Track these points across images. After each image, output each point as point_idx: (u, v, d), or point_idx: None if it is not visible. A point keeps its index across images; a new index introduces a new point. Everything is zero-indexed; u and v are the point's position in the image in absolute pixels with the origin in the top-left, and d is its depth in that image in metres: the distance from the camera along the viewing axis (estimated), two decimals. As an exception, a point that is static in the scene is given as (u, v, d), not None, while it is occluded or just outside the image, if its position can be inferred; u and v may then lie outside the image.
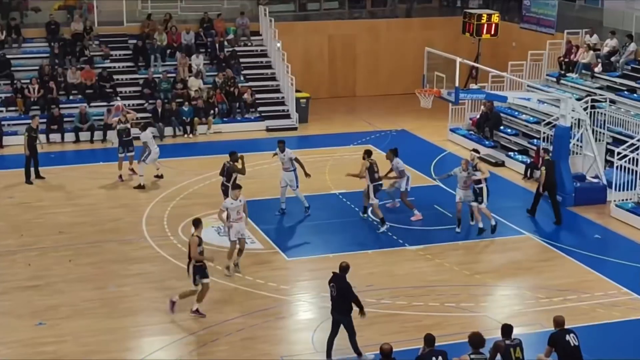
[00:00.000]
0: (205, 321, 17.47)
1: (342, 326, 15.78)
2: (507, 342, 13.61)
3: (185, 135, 31.96)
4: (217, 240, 21.77)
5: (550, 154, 24.58)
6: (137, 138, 26.48)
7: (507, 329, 13.79)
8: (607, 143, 26.77)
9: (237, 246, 19.75)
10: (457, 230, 22.16)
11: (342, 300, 15.65)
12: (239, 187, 20.11)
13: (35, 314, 17.82)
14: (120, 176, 26.53)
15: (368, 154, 22.81)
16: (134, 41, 34.87)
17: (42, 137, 28.15)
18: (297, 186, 23.37)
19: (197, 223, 17.83)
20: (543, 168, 23.59)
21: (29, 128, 26.62)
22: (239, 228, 19.72)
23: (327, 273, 19.73)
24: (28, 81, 32.19)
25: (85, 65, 33.21)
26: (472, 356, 13.22)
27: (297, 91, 34.36)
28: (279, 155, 23.46)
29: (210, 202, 24.34)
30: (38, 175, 26.60)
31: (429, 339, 13.62)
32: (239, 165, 22.25)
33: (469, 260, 20.74)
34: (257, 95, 34.02)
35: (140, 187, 25.65)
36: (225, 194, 21.86)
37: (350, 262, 20.09)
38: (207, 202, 24.41)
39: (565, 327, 14.11)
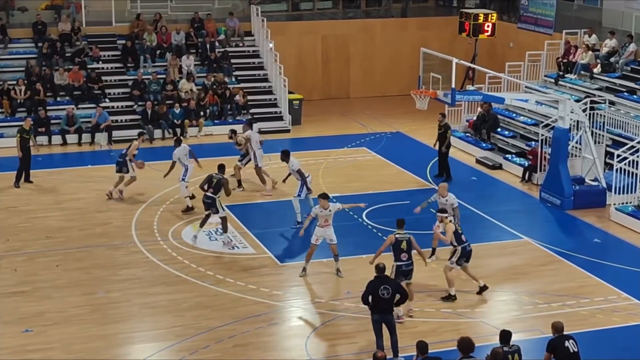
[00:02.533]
0: (197, 327, 17.46)
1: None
2: (505, 348, 13.62)
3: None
4: (207, 246, 21.78)
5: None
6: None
7: (505, 335, 13.81)
8: (607, 145, 26.82)
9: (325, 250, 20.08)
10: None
11: (393, 299, 15.80)
12: (326, 197, 20.05)
13: (22, 320, 17.78)
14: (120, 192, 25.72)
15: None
16: (123, 41, 34.87)
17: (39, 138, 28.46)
18: (299, 195, 23.00)
19: (401, 223, 17.95)
20: (449, 131, 27.28)
21: (20, 129, 26.50)
22: (321, 232, 19.82)
23: (320, 278, 19.90)
24: (14, 82, 32.18)
25: (73, 66, 33.18)
26: (463, 362, 13.29)
27: (290, 92, 34.39)
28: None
29: (201, 206, 24.34)
30: (28, 179, 26.49)
31: (422, 347, 13.64)
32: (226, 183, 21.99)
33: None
34: (249, 97, 34.03)
35: (188, 209, 24.17)
36: (208, 207, 21.65)
37: (344, 267, 20.37)
38: (198, 206, 24.40)
39: (564, 333, 14.12)
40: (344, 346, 16.90)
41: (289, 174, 23.76)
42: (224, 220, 21.92)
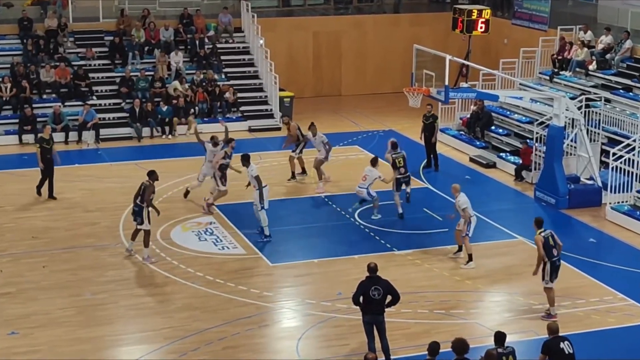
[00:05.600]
0: (186, 329, 17.44)
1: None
2: (500, 350, 13.62)
3: (164, 136, 31.87)
4: (197, 246, 21.74)
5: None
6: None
7: (499, 337, 13.81)
8: (602, 143, 26.84)
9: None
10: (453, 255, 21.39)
11: (384, 300, 15.79)
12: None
13: (7, 322, 17.72)
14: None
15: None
16: (111, 38, 34.78)
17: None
18: (263, 207, 22.03)
19: (540, 222, 18.11)
20: (438, 121, 28.58)
21: (40, 139, 25.25)
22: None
23: (311, 279, 19.91)
24: (0, 80, 32.05)
25: (59, 62, 33.09)
26: (457, 363, 13.30)
27: (280, 90, 34.37)
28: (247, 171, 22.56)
29: (190, 207, 24.38)
30: (51, 195, 25.12)
31: (431, 348, 13.58)
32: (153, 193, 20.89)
33: (459, 266, 20.75)
34: (239, 94, 34.01)
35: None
36: (137, 216, 20.68)
37: (336, 267, 20.39)
38: (187, 206, 24.42)
39: (560, 334, 14.14)
40: (335, 348, 16.89)
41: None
42: (146, 233, 20.81)
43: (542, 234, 17.87)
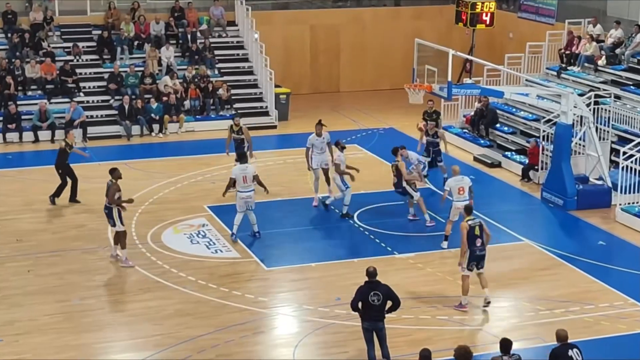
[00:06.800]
0: (177, 337, 17.42)
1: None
2: (505, 358, 13.61)
3: (154, 134, 31.85)
4: (189, 249, 21.72)
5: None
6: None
7: (505, 344, 13.79)
8: (612, 142, 26.85)
9: None
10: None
11: (384, 306, 15.75)
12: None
13: (-10, 329, 17.75)
14: None
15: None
16: (99, 32, 34.75)
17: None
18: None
19: (469, 209, 18.72)
20: (441, 118, 28.72)
21: (65, 144, 24.87)
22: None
23: (309, 283, 19.89)
24: (-18, 76, 32.06)
25: (45, 58, 33.04)
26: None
27: (276, 86, 34.35)
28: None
29: (182, 207, 24.36)
30: (74, 199, 24.96)
31: (423, 356, 13.57)
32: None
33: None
34: (233, 91, 33.99)
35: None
36: (109, 218, 20.67)
37: (334, 272, 20.39)
38: (179, 207, 24.40)
39: (568, 341, 14.12)
40: (333, 355, 16.87)
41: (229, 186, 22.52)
42: (121, 235, 20.64)
43: (469, 222, 18.19)
